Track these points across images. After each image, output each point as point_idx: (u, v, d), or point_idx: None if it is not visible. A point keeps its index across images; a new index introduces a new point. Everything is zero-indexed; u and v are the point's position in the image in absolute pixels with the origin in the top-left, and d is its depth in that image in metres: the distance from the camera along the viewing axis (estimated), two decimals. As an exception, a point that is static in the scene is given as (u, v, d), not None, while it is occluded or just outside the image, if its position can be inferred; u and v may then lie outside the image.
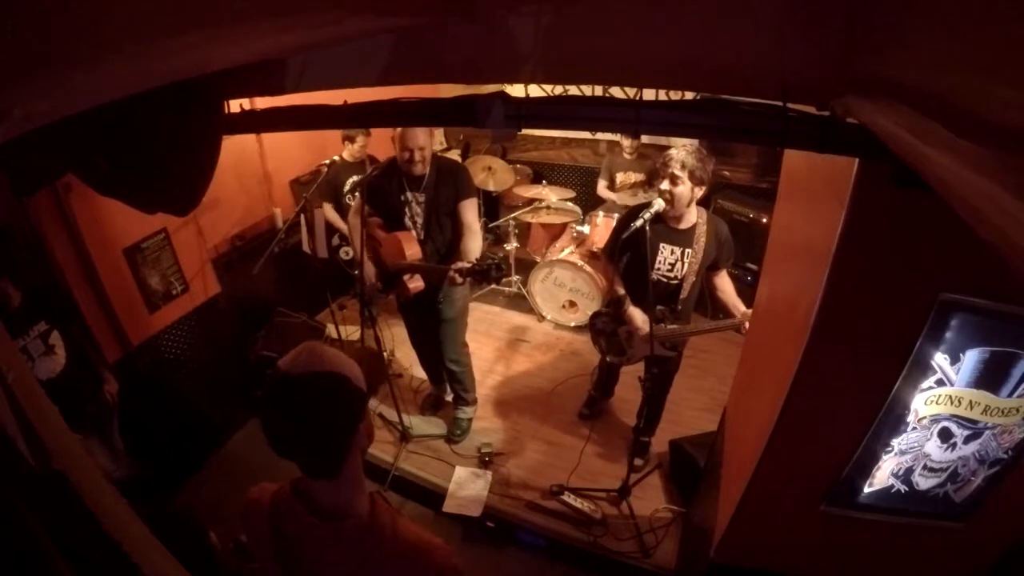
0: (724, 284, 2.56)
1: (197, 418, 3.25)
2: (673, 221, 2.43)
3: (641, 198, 4.08)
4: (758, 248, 2.36)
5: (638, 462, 3.00)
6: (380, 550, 1.04)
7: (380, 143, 3.73)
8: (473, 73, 1.36)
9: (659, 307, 2.50)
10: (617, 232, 2.57)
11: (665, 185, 2.31)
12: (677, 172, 2.26)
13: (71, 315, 2.45)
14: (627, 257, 2.57)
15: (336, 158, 3.58)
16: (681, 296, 2.52)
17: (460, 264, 2.39)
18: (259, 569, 1.16)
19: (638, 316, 2.58)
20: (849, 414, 1.41)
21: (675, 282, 2.50)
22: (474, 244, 2.60)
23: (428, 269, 2.63)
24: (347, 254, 3.86)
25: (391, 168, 2.64)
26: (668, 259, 2.47)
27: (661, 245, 2.46)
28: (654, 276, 2.47)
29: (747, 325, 2.37)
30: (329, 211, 3.75)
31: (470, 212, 2.66)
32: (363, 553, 1.04)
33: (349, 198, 3.79)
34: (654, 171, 4.24)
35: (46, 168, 1.66)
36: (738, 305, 2.49)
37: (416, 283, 2.68)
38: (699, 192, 2.32)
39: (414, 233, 2.69)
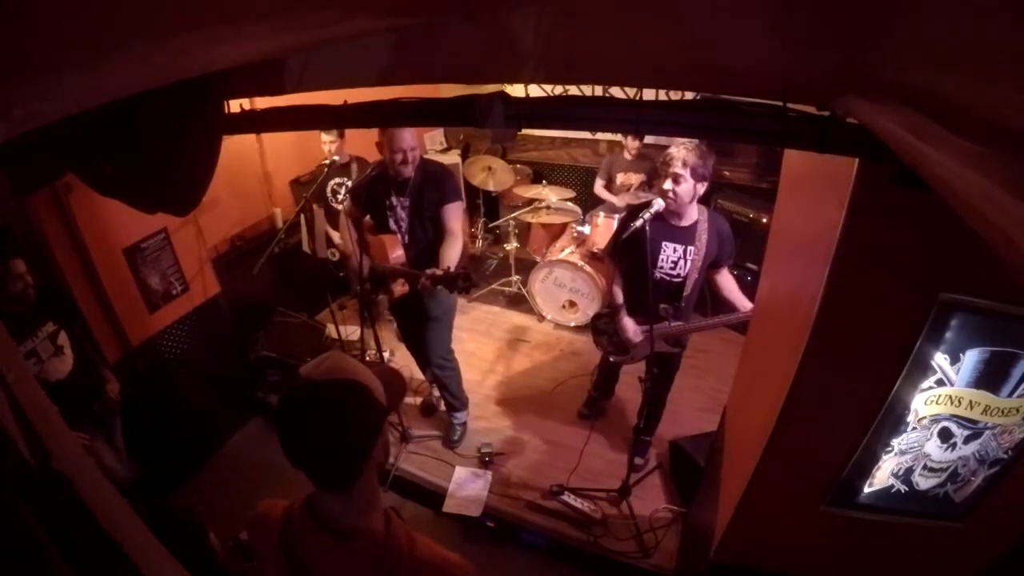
0: (726, 282, 2.57)
1: (197, 418, 3.25)
2: (674, 219, 2.43)
3: (642, 199, 4.08)
4: (758, 248, 2.36)
5: (638, 461, 3.00)
6: (398, 569, 1.02)
7: (360, 143, 3.65)
8: (473, 73, 1.36)
9: (663, 305, 2.50)
10: (618, 234, 2.58)
11: (668, 184, 2.31)
12: (679, 170, 2.26)
13: (73, 315, 2.46)
14: (630, 257, 2.56)
15: (336, 158, 3.57)
16: (684, 294, 2.52)
17: (431, 270, 2.39)
18: (257, 568, 1.15)
19: (630, 327, 2.60)
20: (849, 414, 1.41)
21: (678, 280, 2.50)
22: (452, 250, 2.55)
23: (404, 273, 2.63)
24: (334, 255, 3.79)
25: (381, 171, 2.65)
26: (671, 257, 2.47)
27: (663, 244, 2.46)
28: (657, 275, 2.48)
29: None
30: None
31: (453, 217, 2.63)
32: (380, 573, 1.01)
33: (333, 201, 3.76)
34: (655, 171, 4.27)
35: (46, 168, 1.66)
36: (744, 302, 2.49)
37: (400, 286, 2.68)
38: (701, 188, 2.33)
39: (399, 237, 2.70)
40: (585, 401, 3.45)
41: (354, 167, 3.65)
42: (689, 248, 2.44)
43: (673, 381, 2.91)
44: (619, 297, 2.65)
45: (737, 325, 2.62)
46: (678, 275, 2.50)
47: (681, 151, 2.26)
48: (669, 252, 2.46)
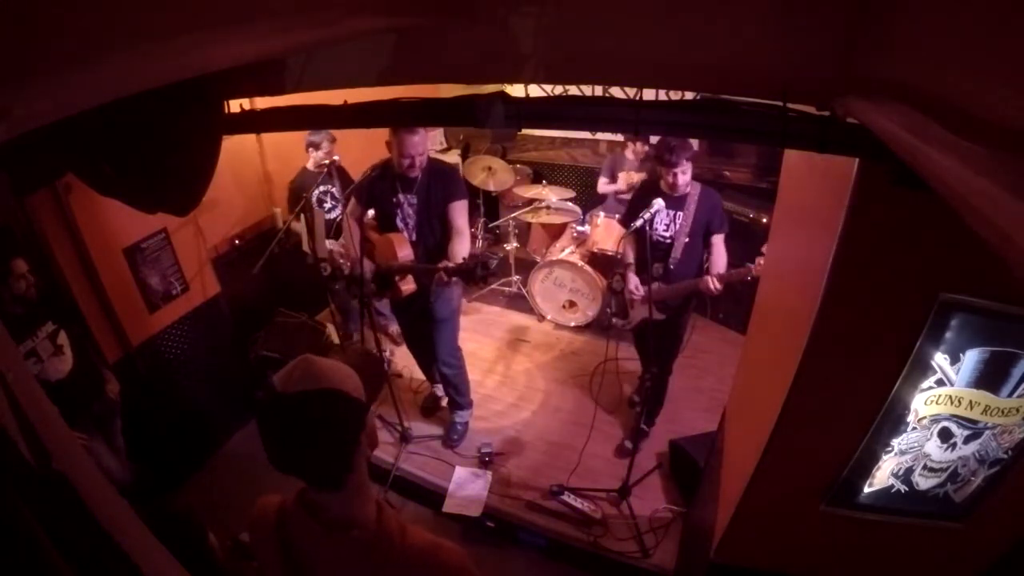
0: (716, 254, 2.78)
1: (197, 418, 3.25)
2: (670, 189, 2.70)
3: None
4: (758, 248, 2.38)
5: (628, 444, 3.09)
6: (391, 557, 1.03)
7: (351, 147, 3.58)
8: (473, 73, 1.36)
9: (656, 264, 2.78)
10: (632, 208, 2.83)
11: (671, 180, 2.62)
12: (685, 165, 2.59)
13: (73, 315, 2.46)
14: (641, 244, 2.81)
15: (336, 158, 3.45)
16: (672, 255, 2.77)
17: (447, 263, 2.38)
18: (257, 568, 1.15)
19: (632, 280, 2.91)
20: (849, 414, 1.41)
21: (669, 242, 2.78)
22: (460, 247, 2.58)
23: (418, 270, 2.64)
24: (325, 270, 3.32)
25: (385, 169, 2.65)
26: (664, 220, 2.78)
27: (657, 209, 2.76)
28: (654, 237, 2.73)
29: (712, 285, 2.64)
30: (297, 225, 3.55)
31: (459, 214, 2.65)
32: (374, 561, 1.03)
33: (320, 210, 3.58)
34: (655, 171, 4.27)
35: (46, 168, 1.66)
36: (717, 268, 2.71)
37: (408, 285, 2.68)
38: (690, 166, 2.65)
39: (406, 235, 2.70)
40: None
41: (335, 173, 3.46)
42: (678, 213, 2.75)
43: (674, 358, 3.05)
44: (629, 256, 2.94)
45: (737, 325, 2.63)
46: (669, 237, 2.79)
47: (677, 155, 2.56)
48: (662, 216, 2.76)
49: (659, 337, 2.85)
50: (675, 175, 2.60)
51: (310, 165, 3.52)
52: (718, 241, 2.78)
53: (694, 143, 2.74)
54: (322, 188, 3.53)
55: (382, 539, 1.04)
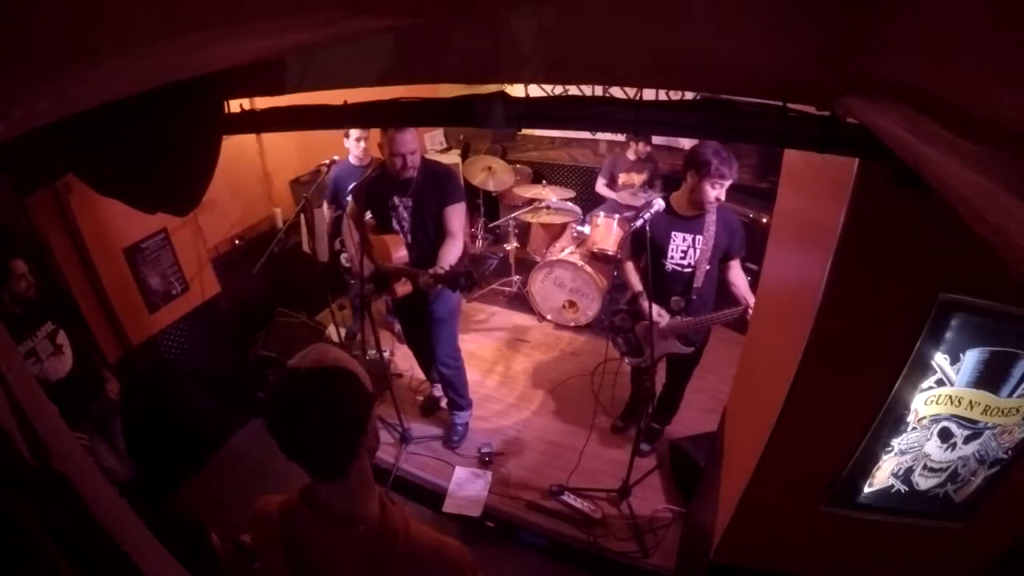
0: (737, 277, 2.60)
1: (197, 418, 3.25)
2: (683, 210, 2.46)
3: (641, 198, 4.08)
4: (758, 248, 2.37)
5: (644, 447, 3.02)
6: (395, 553, 1.03)
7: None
8: (473, 73, 1.36)
9: (674, 298, 2.54)
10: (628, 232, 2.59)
11: (715, 193, 2.35)
12: (727, 182, 2.33)
13: (73, 315, 2.46)
14: (642, 254, 2.51)
15: (336, 157, 3.45)
16: (695, 285, 2.53)
17: (433, 269, 2.39)
18: (260, 570, 1.15)
19: (654, 310, 2.57)
20: (849, 414, 1.41)
21: (688, 270, 2.53)
22: (450, 251, 2.58)
23: (406, 272, 2.63)
24: (347, 260, 3.52)
25: (383, 171, 2.66)
26: (680, 247, 2.51)
27: (672, 234, 2.49)
28: (668, 266, 2.51)
29: (751, 313, 2.41)
30: (327, 214, 3.51)
31: (454, 218, 2.65)
32: (378, 557, 1.03)
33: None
34: (656, 171, 4.27)
35: (46, 168, 1.66)
36: (748, 297, 2.51)
37: (404, 286, 2.68)
38: None
39: (401, 236, 2.71)
40: (622, 413, 3.34)
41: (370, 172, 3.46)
42: (697, 237, 2.48)
43: (691, 373, 2.93)
44: (637, 285, 2.65)
45: (737, 325, 2.61)
46: (688, 265, 2.52)
47: (733, 169, 2.30)
48: (679, 242, 2.50)
49: (683, 362, 2.79)
50: (722, 187, 2.31)
51: (353, 159, 3.38)
52: (737, 267, 2.57)
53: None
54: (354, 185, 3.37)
55: (386, 535, 1.04)
